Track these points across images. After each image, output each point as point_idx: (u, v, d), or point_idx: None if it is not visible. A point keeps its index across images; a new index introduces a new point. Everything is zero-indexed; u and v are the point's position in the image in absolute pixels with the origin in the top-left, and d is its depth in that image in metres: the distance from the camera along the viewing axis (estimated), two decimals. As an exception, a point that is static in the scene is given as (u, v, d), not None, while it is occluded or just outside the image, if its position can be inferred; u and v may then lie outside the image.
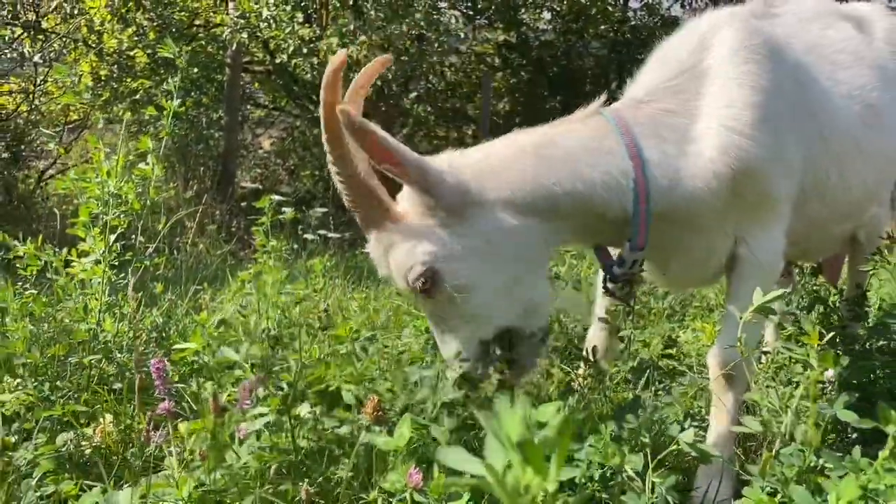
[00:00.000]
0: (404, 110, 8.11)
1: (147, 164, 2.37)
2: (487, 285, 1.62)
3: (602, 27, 12.29)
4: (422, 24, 6.32)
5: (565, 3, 11.93)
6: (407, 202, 1.66)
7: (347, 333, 1.65)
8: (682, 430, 1.35)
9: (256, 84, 9.00)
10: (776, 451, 1.24)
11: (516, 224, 1.61)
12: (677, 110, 1.74)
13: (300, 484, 1.24)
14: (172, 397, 1.49)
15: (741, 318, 1.44)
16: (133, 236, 2.55)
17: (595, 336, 2.04)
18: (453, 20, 9.27)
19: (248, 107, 8.28)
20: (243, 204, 6.38)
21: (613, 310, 2.00)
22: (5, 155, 6.11)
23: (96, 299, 2.18)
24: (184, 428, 1.43)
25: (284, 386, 1.37)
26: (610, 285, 1.83)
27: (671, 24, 12.86)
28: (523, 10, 11.25)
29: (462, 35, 9.92)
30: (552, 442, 0.48)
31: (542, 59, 12.16)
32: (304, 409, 1.35)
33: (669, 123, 1.73)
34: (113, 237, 2.29)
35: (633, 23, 12.59)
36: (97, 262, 2.22)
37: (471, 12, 8.99)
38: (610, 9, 12.74)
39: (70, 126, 7.80)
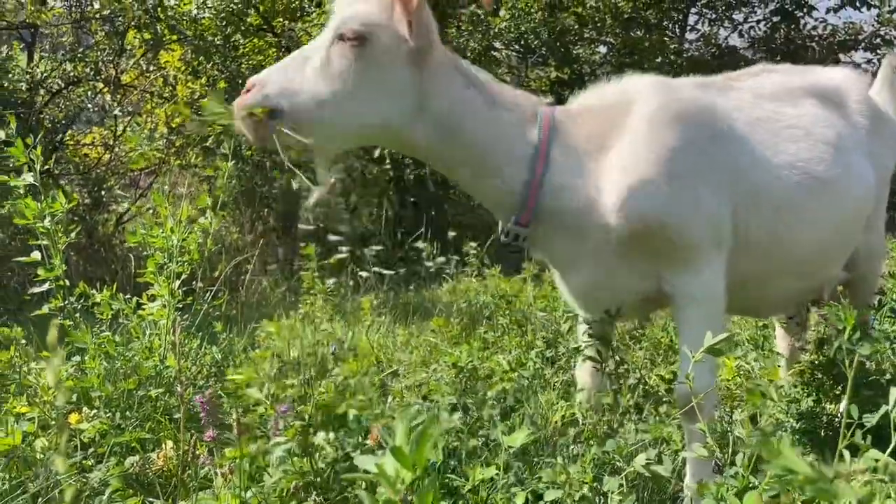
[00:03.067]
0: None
1: (206, 218, 2.66)
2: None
3: (658, 59, 12.37)
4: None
5: (620, 37, 12.09)
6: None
7: (357, 368, 1.86)
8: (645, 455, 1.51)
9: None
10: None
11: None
12: (599, 133, 1.99)
13: (321, 499, 1.46)
14: (216, 427, 1.74)
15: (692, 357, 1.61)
16: (193, 282, 2.86)
17: (583, 372, 2.22)
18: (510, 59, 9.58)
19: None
20: (303, 244, 6.73)
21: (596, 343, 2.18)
22: (87, 201, 6.65)
23: (160, 339, 2.47)
24: (228, 453, 1.67)
25: (304, 416, 1.59)
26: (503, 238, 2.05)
27: (729, 54, 12.88)
28: (577, 47, 11.47)
29: (516, 74, 10.19)
30: (416, 452, 0.69)
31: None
32: (320, 436, 1.57)
33: (584, 142, 1.99)
34: (177, 283, 2.60)
35: (688, 54, 12.64)
36: (163, 306, 2.52)
37: (522, 51, 9.27)
38: (666, 40, 12.84)
39: (147, 171, 8.37)
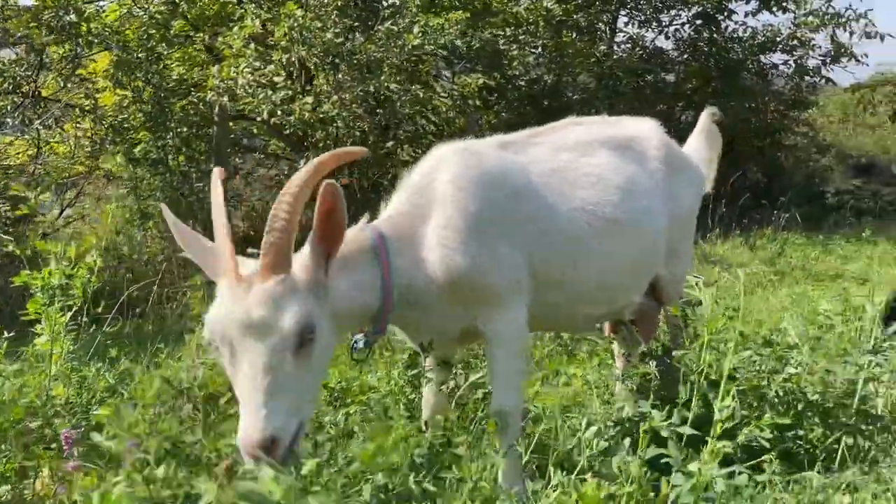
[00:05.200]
0: (387, 153, 8.57)
1: (92, 256, 2.83)
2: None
3: (590, 60, 12.72)
4: (387, 85, 6.82)
5: (551, 42, 12.39)
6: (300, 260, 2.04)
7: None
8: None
9: (255, 130, 9.52)
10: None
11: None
12: (414, 226, 2.28)
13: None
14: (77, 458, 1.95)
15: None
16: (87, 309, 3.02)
17: (429, 396, 2.50)
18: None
19: (238, 158, 8.79)
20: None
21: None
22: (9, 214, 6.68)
23: (44, 372, 2.65)
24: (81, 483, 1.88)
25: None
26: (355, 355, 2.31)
27: (657, 55, 13.30)
28: (512, 50, 11.74)
29: (446, 78, 10.40)
30: None
31: (532, 94, 12.64)
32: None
33: (409, 237, 2.26)
34: (66, 318, 2.77)
35: (617, 56, 13.02)
36: (49, 340, 2.70)
37: (447, 59, 9.51)
38: (597, 42, 13.21)
39: (73, 179, 8.36)
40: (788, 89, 13.00)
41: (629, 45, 13.28)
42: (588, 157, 2.66)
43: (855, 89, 14.58)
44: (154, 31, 7.85)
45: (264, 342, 1.86)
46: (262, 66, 6.88)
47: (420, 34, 6.61)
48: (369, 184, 8.22)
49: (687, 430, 1.93)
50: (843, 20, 11.81)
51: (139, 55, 7.24)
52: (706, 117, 3.27)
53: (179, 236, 2.16)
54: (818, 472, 2.25)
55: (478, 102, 10.19)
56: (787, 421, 2.11)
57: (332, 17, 6.92)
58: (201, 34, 7.98)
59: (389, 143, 7.71)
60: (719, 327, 2.15)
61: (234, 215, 8.32)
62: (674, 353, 2.52)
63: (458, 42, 8.78)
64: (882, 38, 11.89)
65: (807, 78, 12.58)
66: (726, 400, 2.17)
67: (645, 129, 2.86)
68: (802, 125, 13.94)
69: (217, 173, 2.17)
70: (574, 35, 12.84)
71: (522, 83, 12.15)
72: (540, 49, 12.67)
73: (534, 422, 2.76)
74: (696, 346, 2.20)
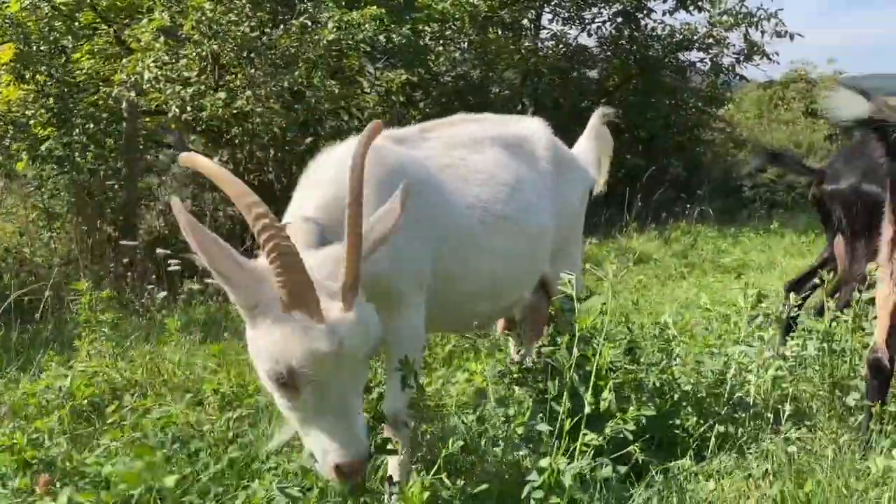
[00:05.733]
0: (308, 150, 8.47)
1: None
2: None
3: (516, 57, 12.84)
4: (302, 80, 6.74)
5: (477, 38, 12.46)
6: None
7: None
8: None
9: (174, 126, 9.26)
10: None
11: None
12: (333, 227, 2.19)
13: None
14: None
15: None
16: None
17: None
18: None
19: (151, 154, 8.54)
20: (139, 255, 6.60)
21: None
22: None
23: None
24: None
25: None
26: None
27: (581, 52, 13.52)
28: (436, 48, 11.76)
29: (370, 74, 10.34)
30: None
31: (458, 90, 12.69)
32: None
33: (335, 231, 2.15)
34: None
35: (541, 53, 13.19)
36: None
37: (375, 53, 9.45)
38: (522, 39, 13.36)
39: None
40: (705, 86, 13.42)
41: (553, 42, 13.46)
42: (479, 154, 2.67)
43: (767, 86, 15.13)
44: (59, 24, 7.54)
45: (359, 366, 1.91)
46: (174, 61, 6.70)
47: (335, 29, 6.54)
48: (288, 181, 8.11)
49: (544, 426, 1.97)
50: (755, 19, 12.26)
51: (41, 48, 6.94)
52: (596, 118, 3.33)
53: (202, 246, 1.81)
54: (690, 460, 2.33)
55: (402, 98, 10.21)
56: (650, 412, 2.17)
57: (246, 10, 6.80)
58: (110, 27, 7.71)
59: (309, 140, 7.61)
60: (591, 322, 2.19)
61: (147, 214, 8.07)
62: (544, 349, 2.58)
63: (381, 37, 8.76)
64: (791, 36, 12.40)
65: (721, 75, 12.99)
66: (604, 393, 2.23)
67: (534, 129, 2.90)
68: (719, 121, 14.42)
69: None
70: (499, 32, 12.95)
71: (448, 79, 12.18)
72: (466, 45, 12.72)
73: (430, 420, 2.78)
74: (563, 342, 2.24)
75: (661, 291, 6.30)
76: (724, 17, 12.67)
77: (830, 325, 2.73)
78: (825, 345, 2.72)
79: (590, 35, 13.56)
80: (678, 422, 2.47)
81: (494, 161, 2.68)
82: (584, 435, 2.01)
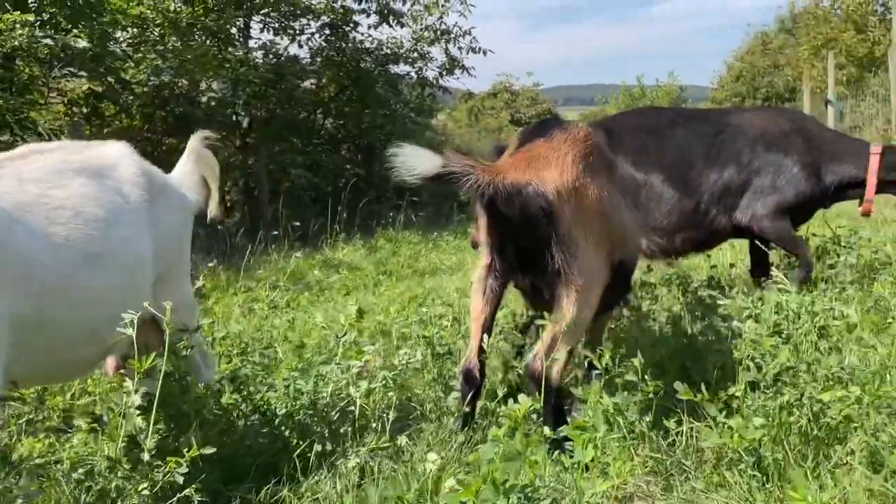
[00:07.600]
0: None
1: None
2: None
3: (225, 66, 12.39)
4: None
5: (179, 45, 11.83)
6: None
7: None
8: None
9: None
10: None
11: None
12: None
13: None
14: None
15: None
16: None
17: None
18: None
19: None
20: None
21: None
22: None
23: None
24: None
25: None
26: None
27: (292, 62, 13.41)
28: (135, 54, 10.96)
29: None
30: None
31: (162, 99, 11.95)
32: None
33: None
34: None
35: (252, 62, 12.89)
36: None
37: (54, 61, 8.56)
38: (231, 47, 12.94)
39: None
40: (414, 97, 14.09)
41: (263, 52, 13.25)
42: (60, 188, 2.44)
43: (467, 99, 16.32)
44: None
45: None
46: None
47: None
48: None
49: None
50: (452, 36, 13.12)
51: None
52: (195, 141, 3.21)
53: None
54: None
55: (85, 110, 9.31)
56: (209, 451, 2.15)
57: None
58: None
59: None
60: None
61: None
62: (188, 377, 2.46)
63: (50, 42, 7.92)
64: (485, 52, 13.48)
65: (427, 88, 13.73)
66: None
67: (119, 156, 2.71)
68: (431, 130, 15.23)
69: None
70: (205, 39, 12.45)
71: (146, 88, 11.39)
72: (168, 53, 12.02)
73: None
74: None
75: (353, 300, 6.42)
76: (426, 34, 13.38)
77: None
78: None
79: (300, 46, 13.56)
80: (279, 444, 2.48)
81: (80, 195, 2.46)
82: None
